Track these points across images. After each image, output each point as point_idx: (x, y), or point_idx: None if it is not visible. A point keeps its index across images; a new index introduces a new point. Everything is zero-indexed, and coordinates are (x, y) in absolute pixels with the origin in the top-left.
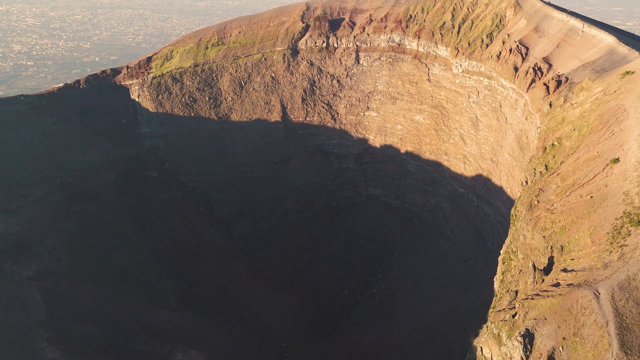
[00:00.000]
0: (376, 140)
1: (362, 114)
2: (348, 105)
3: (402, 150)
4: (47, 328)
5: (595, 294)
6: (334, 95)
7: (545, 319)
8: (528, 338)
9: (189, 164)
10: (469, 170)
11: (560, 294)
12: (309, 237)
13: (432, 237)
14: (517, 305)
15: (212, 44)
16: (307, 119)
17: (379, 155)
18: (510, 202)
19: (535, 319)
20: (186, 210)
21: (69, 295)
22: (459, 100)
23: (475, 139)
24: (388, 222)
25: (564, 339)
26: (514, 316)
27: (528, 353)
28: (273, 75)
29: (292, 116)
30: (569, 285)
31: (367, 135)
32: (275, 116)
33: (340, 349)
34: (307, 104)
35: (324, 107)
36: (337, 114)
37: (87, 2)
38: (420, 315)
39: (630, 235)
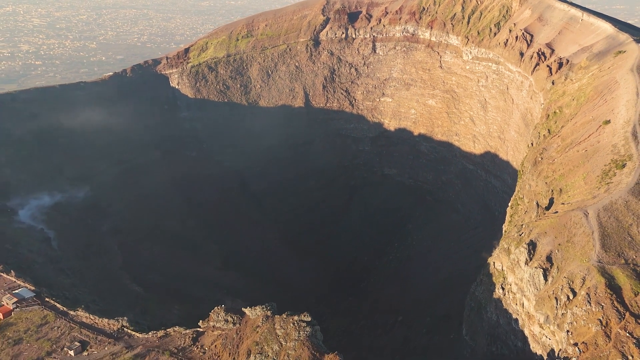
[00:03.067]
0: (391, 124)
1: (378, 99)
2: (365, 92)
3: (415, 133)
4: (127, 271)
5: (585, 214)
6: (352, 82)
7: (546, 232)
8: (532, 246)
9: (223, 145)
10: (478, 148)
11: (558, 216)
12: (330, 212)
13: (443, 211)
14: (523, 227)
15: (242, 36)
16: (327, 104)
17: (394, 138)
18: (515, 174)
19: (537, 233)
20: (223, 186)
21: (135, 249)
22: (468, 85)
23: (484, 120)
24: (402, 199)
25: (559, 244)
26: (520, 235)
27: (531, 256)
28: (297, 64)
29: (313, 102)
30: (565, 211)
31: (382, 120)
32: (299, 102)
33: (363, 305)
34: (327, 91)
35: (342, 94)
36: (355, 100)
37: (92, 2)
38: (434, 274)
39: (615, 175)
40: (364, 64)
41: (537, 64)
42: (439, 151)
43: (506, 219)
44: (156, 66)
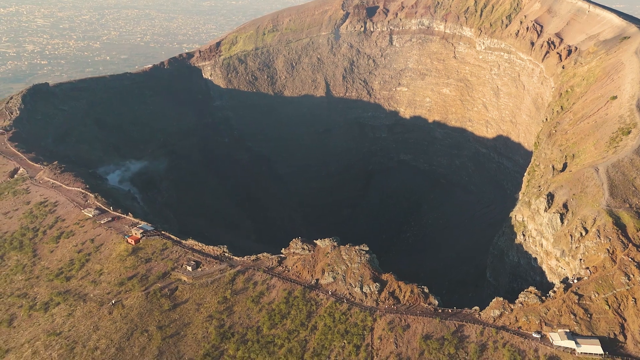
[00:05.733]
0: (406, 112)
1: (394, 89)
2: (382, 82)
3: (430, 120)
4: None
5: (596, 169)
6: (369, 73)
7: (562, 186)
8: (550, 197)
9: (253, 132)
10: (490, 133)
11: (572, 173)
12: (349, 195)
13: (457, 193)
14: (541, 183)
15: (268, 31)
16: (347, 94)
17: (409, 125)
18: (527, 154)
19: (555, 187)
20: (253, 169)
21: (184, 221)
22: (481, 74)
23: (497, 106)
24: (417, 182)
25: (574, 194)
26: (539, 189)
27: (550, 205)
28: (319, 56)
29: (334, 92)
30: (578, 169)
31: (398, 108)
32: (320, 92)
33: None
34: (346, 81)
35: (361, 84)
36: (372, 89)
37: (94, 2)
38: (450, 246)
39: (621, 140)
40: (382, 55)
41: (547, 52)
42: (452, 137)
43: (523, 183)
44: (190, 59)
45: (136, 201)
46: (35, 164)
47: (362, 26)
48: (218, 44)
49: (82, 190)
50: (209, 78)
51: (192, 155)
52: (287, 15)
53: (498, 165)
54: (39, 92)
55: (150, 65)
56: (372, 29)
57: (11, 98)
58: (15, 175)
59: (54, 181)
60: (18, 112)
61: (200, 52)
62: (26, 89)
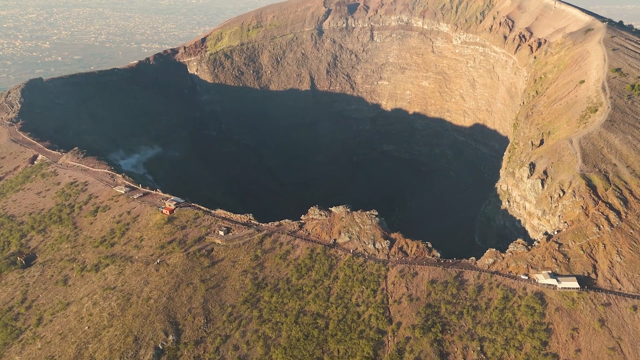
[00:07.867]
0: (388, 105)
1: (376, 83)
2: (364, 76)
3: (411, 112)
4: None
5: (570, 141)
6: (352, 67)
7: (542, 156)
8: (532, 166)
9: (240, 125)
10: (468, 122)
11: (550, 145)
12: (337, 184)
13: (437, 179)
14: (522, 157)
15: (253, 27)
16: (331, 88)
17: (391, 117)
18: (502, 140)
19: (536, 157)
20: (242, 161)
21: None
22: (458, 66)
23: (473, 96)
24: (399, 171)
25: (552, 163)
26: (522, 161)
27: (532, 172)
28: (303, 51)
29: (318, 86)
30: (555, 142)
31: (380, 101)
32: (305, 86)
33: None
34: (330, 76)
35: (344, 78)
36: (355, 83)
37: (41, 0)
38: (434, 226)
39: (590, 117)
40: (363, 50)
41: (519, 45)
42: (432, 127)
43: (504, 160)
44: (174, 55)
45: (153, 183)
46: (52, 151)
47: (344, 22)
48: (203, 40)
49: (108, 172)
50: (195, 73)
51: (183, 148)
52: (271, 12)
53: (475, 151)
54: (34, 87)
55: (135, 62)
56: (353, 25)
57: (9, 92)
58: (36, 161)
59: (79, 164)
60: (19, 105)
61: (185, 48)
62: (23, 83)
